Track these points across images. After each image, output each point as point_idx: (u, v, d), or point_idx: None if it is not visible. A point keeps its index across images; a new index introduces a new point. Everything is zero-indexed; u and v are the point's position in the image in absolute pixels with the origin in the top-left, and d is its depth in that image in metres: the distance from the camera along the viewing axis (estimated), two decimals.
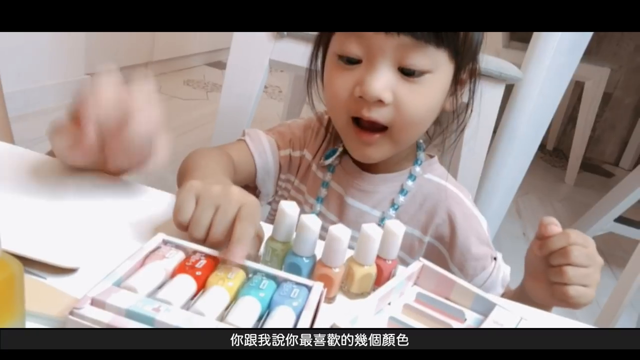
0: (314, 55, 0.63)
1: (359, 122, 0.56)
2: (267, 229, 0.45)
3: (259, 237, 0.44)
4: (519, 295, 0.59)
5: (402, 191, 0.64)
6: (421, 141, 0.67)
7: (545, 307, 0.53)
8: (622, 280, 1.07)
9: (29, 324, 0.32)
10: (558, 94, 1.17)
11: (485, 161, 1.13)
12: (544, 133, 1.22)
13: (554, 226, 0.50)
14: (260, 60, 1.09)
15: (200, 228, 0.40)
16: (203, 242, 0.40)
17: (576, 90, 2.71)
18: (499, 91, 1.03)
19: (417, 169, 0.65)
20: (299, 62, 1.04)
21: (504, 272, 0.64)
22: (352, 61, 0.54)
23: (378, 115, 0.54)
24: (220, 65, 3.17)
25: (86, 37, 2.00)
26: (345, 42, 0.54)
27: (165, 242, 0.40)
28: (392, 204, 0.64)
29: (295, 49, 1.04)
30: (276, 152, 0.69)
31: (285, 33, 1.04)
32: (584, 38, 1.13)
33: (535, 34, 1.14)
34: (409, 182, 0.64)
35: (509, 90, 1.11)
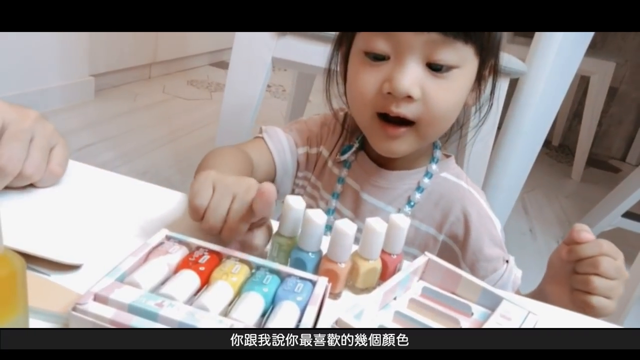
0: (334, 51, 0.63)
1: (385, 117, 0.56)
2: (275, 225, 0.44)
3: (268, 228, 0.43)
4: (536, 297, 0.58)
5: (419, 188, 0.64)
6: (438, 140, 0.66)
7: None
8: (630, 274, 1.06)
9: (33, 320, 0.32)
10: (563, 88, 1.17)
11: (491, 157, 1.12)
12: (549, 128, 1.21)
13: (586, 233, 0.50)
14: (262, 59, 1.08)
15: (218, 215, 0.40)
16: (219, 230, 0.40)
17: (582, 85, 2.69)
18: (503, 85, 1.02)
19: (434, 166, 0.64)
20: (302, 60, 1.04)
21: (515, 275, 0.63)
22: (379, 57, 0.54)
23: (406, 110, 0.54)
24: (224, 65, 3.17)
25: (90, 39, 2.00)
26: (372, 39, 0.53)
27: (168, 238, 0.40)
28: (408, 201, 0.64)
29: (297, 46, 1.04)
30: (294, 150, 0.69)
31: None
32: (588, 32, 1.12)
33: None
34: (426, 180, 0.64)
35: (513, 85, 1.11)
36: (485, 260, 0.62)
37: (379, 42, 0.53)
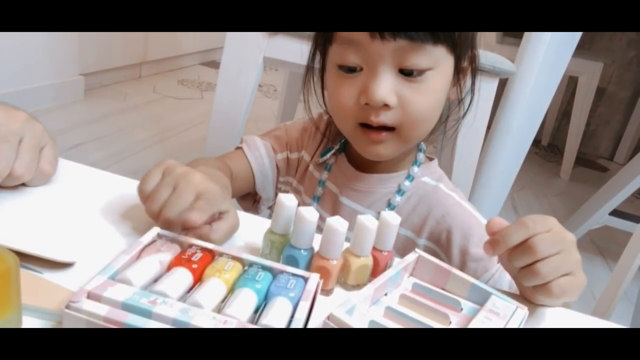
0: (310, 62, 0.63)
1: (367, 126, 0.56)
2: (268, 223, 0.45)
3: (229, 221, 0.45)
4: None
5: (399, 191, 0.63)
6: (422, 143, 0.66)
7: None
8: (616, 271, 1.08)
9: (26, 318, 0.32)
10: (552, 88, 1.18)
11: (480, 156, 1.13)
12: (538, 127, 1.23)
13: (498, 219, 0.44)
14: (254, 58, 1.09)
15: (155, 202, 0.42)
16: (156, 217, 0.42)
17: (570, 85, 2.73)
18: (492, 86, 1.03)
19: (416, 169, 0.64)
20: (293, 59, 1.04)
21: None
22: (352, 70, 0.54)
23: (386, 118, 0.54)
24: (215, 64, 3.17)
25: (79, 38, 1.99)
26: (344, 53, 0.54)
27: (160, 236, 0.40)
28: (388, 204, 0.63)
29: (289, 46, 1.04)
30: (272, 156, 0.70)
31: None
32: (576, 33, 1.13)
33: None
34: (407, 182, 0.63)
35: (502, 85, 1.12)
36: (473, 260, 0.59)
37: (350, 54, 0.53)
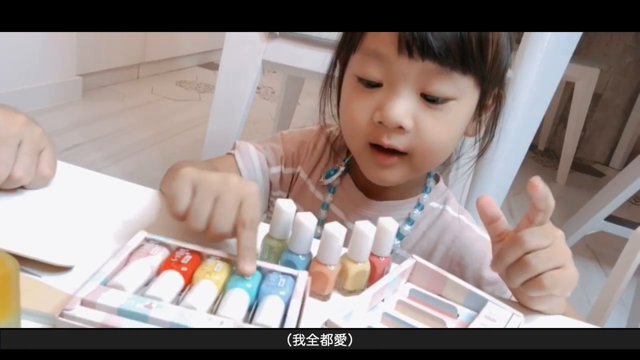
0: (330, 70, 0.61)
1: (377, 146, 0.53)
2: (265, 229, 0.45)
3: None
4: None
5: (409, 220, 0.61)
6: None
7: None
8: (612, 277, 1.08)
9: (24, 321, 0.32)
10: (549, 94, 1.18)
11: (477, 160, 1.13)
12: (535, 133, 1.23)
13: (488, 199, 0.45)
14: (253, 61, 1.09)
15: (200, 219, 0.39)
16: (202, 233, 0.40)
17: (567, 90, 2.74)
18: None
19: (425, 196, 0.62)
20: (291, 63, 1.05)
21: None
22: (372, 84, 0.51)
23: (397, 142, 0.51)
24: (213, 66, 3.17)
25: (78, 38, 1.99)
26: (366, 65, 0.51)
27: (147, 240, 0.40)
28: (397, 233, 0.60)
29: (288, 49, 1.04)
30: (266, 170, 0.66)
31: (277, 33, 1.04)
32: (573, 38, 1.14)
33: (525, 34, 1.15)
34: (416, 211, 0.61)
35: None
36: (489, 284, 0.58)
37: (372, 68, 0.50)
